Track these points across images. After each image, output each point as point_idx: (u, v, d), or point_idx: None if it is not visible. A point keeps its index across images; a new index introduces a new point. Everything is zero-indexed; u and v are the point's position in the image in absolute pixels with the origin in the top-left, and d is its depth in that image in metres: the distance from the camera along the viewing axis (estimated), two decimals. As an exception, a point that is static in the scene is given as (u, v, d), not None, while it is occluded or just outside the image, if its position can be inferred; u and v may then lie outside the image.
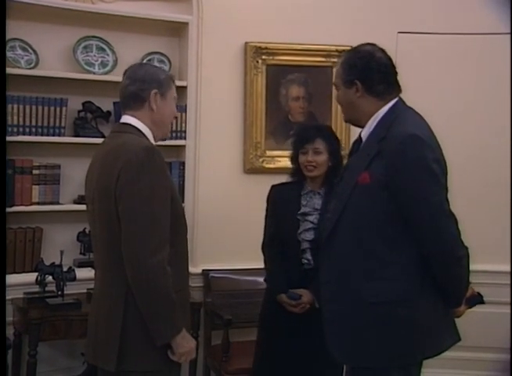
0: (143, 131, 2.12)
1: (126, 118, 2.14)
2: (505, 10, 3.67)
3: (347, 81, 2.11)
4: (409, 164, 1.95)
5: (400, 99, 2.14)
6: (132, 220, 1.95)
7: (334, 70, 3.62)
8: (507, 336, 3.67)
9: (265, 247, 2.83)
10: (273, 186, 2.85)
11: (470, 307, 2.19)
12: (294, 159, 2.79)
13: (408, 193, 1.97)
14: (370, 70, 2.10)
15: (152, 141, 2.14)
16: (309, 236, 2.65)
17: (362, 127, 2.16)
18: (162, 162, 2.04)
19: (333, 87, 2.28)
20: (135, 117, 2.13)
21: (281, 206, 2.77)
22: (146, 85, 2.11)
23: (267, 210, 2.85)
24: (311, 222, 2.66)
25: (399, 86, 2.15)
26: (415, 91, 3.59)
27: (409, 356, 2.02)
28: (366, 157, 2.03)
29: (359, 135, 2.18)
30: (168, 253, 1.97)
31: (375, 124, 2.09)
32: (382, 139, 2.02)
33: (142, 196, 1.95)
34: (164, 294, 1.95)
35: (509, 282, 3.68)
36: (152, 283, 1.93)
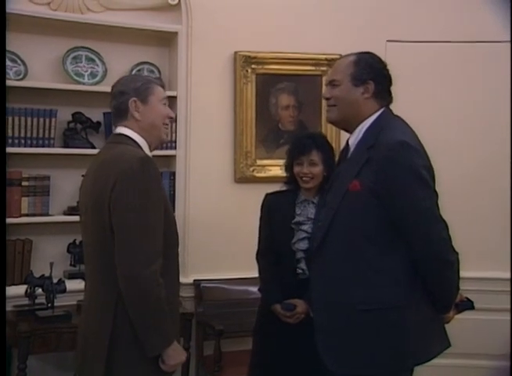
0: (138, 141, 2.12)
1: (119, 129, 2.15)
2: (497, 19, 3.69)
3: (358, 79, 2.09)
4: (399, 170, 1.96)
5: (388, 107, 2.15)
6: (126, 231, 1.94)
7: (324, 78, 3.66)
8: (498, 343, 3.68)
9: (260, 257, 2.81)
10: (267, 195, 2.84)
11: (459, 312, 2.20)
12: (289, 168, 2.77)
13: (398, 199, 1.98)
14: (384, 76, 2.15)
15: (147, 150, 2.14)
16: (303, 245, 2.63)
17: (349, 131, 2.17)
18: (157, 173, 2.04)
19: (327, 87, 2.20)
20: (127, 127, 2.13)
21: (275, 215, 2.76)
22: (123, 97, 2.12)
23: (261, 219, 2.83)
24: (306, 232, 2.65)
25: (392, 97, 2.18)
26: (404, 99, 3.64)
27: (401, 363, 2.02)
28: (356, 164, 2.04)
29: (347, 143, 2.18)
30: (161, 264, 1.96)
31: (363, 131, 2.10)
32: (371, 146, 2.02)
33: (136, 207, 1.94)
34: (156, 306, 1.94)
35: (497, 289, 3.71)
36: (144, 295, 1.92)
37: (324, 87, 2.29)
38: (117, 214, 1.96)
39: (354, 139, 2.13)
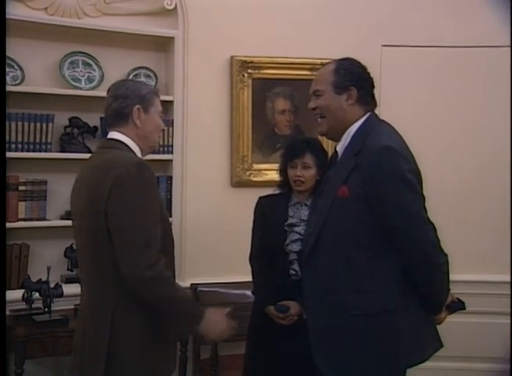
0: (131, 146, 2.13)
1: (113, 134, 2.16)
2: (494, 23, 3.71)
3: (340, 87, 2.11)
4: (385, 175, 1.98)
5: (373, 112, 2.17)
6: (126, 236, 1.96)
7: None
8: (494, 346, 3.69)
9: (253, 259, 2.83)
10: (260, 198, 2.87)
11: (451, 313, 2.22)
12: (283, 171, 2.80)
13: (386, 203, 2.00)
14: (366, 80, 2.16)
15: (139, 156, 2.15)
16: (296, 247, 2.65)
17: (337, 140, 2.18)
18: (153, 177, 2.06)
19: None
20: (122, 132, 2.14)
21: (268, 217, 2.78)
22: (128, 102, 2.12)
23: (254, 221, 2.85)
24: (298, 233, 2.67)
25: (375, 101, 2.20)
26: (399, 104, 3.67)
27: (394, 366, 2.03)
28: (344, 170, 2.06)
29: (335, 150, 2.20)
30: (164, 262, 1.98)
31: (350, 137, 2.12)
32: (358, 152, 2.05)
33: (135, 211, 1.96)
34: (171, 298, 1.98)
35: (493, 292, 3.72)
36: (153, 294, 1.96)
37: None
38: (115, 219, 1.97)
39: (341, 145, 2.15)
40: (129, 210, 1.96)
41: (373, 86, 2.19)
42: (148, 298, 1.97)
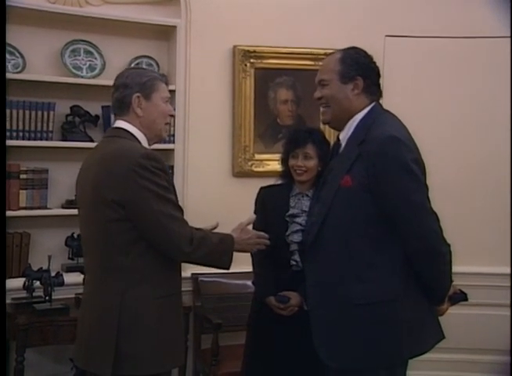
0: (136, 135, 2.13)
1: (119, 123, 2.15)
2: (496, 14, 3.70)
3: (346, 76, 2.10)
4: (389, 164, 1.97)
5: (378, 102, 2.16)
6: (160, 225, 2.00)
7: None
8: (495, 338, 3.70)
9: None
10: (262, 188, 2.86)
11: (453, 304, 2.22)
12: (284, 161, 2.79)
13: (389, 193, 2.00)
14: (372, 70, 2.15)
15: (146, 145, 2.15)
16: (297, 238, 2.65)
17: (340, 129, 2.17)
18: (164, 165, 2.07)
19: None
20: (127, 121, 2.13)
21: (269, 207, 2.78)
22: (127, 91, 2.11)
23: (255, 212, 2.84)
24: (300, 224, 2.66)
25: (381, 91, 2.19)
26: (401, 94, 3.66)
27: (396, 356, 2.04)
28: (347, 160, 2.06)
29: (338, 139, 2.19)
30: (195, 238, 2.06)
31: (353, 127, 2.11)
32: (362, 141, 2.04)
33: (158, 199, 1.99)
34: (203, 255, 2.08)
35: (494, 284, 3.73)
36: (200, 257, 2.09)
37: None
38: (138, 207, 1.98)
39: (345, 134, 2.15)
40: (149, 196, 1.98)
41: (379, 76, 2.18)
42: (195, 263, 2.16)
